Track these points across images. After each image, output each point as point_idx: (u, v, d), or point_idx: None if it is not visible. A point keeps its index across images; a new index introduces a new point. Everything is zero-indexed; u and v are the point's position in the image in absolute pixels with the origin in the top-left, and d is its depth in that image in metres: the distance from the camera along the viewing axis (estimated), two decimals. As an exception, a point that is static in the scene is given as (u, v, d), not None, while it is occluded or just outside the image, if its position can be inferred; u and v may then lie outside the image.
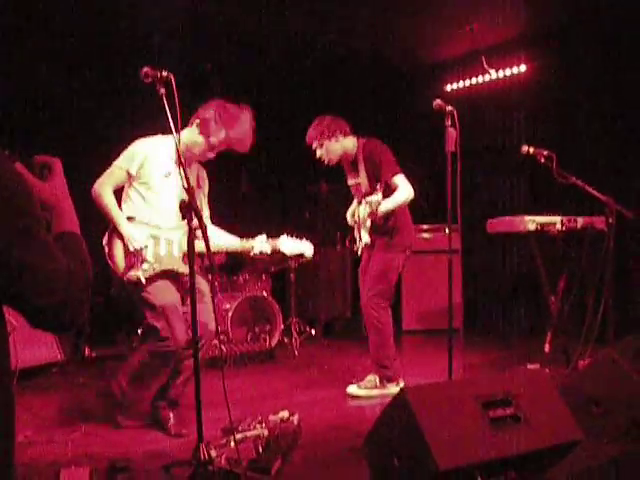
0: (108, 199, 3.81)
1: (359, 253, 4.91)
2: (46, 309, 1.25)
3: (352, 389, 4.83)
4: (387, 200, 4.56)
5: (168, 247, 3.87)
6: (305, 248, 4.03)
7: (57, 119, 5.97)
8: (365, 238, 4.75)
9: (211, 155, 4.00)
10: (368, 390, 4.79)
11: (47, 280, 1.23)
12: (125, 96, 5.64)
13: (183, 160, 3.18)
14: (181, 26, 5.72)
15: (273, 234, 4.02)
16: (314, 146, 4.79)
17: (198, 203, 3.38)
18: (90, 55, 6.00)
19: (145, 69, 3.07)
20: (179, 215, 3.75)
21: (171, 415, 3.95)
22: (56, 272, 1.24)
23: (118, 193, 3.94)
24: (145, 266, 3.79)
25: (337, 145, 4.77)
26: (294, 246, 4.00)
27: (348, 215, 5.02)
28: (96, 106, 6.17)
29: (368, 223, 4.71)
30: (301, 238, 4.05)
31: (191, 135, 3.93)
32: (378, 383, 4.79)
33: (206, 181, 4.18)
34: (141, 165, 3.85)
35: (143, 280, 3.77)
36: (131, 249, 3.79)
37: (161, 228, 3.89)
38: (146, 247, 3.81)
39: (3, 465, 1.26)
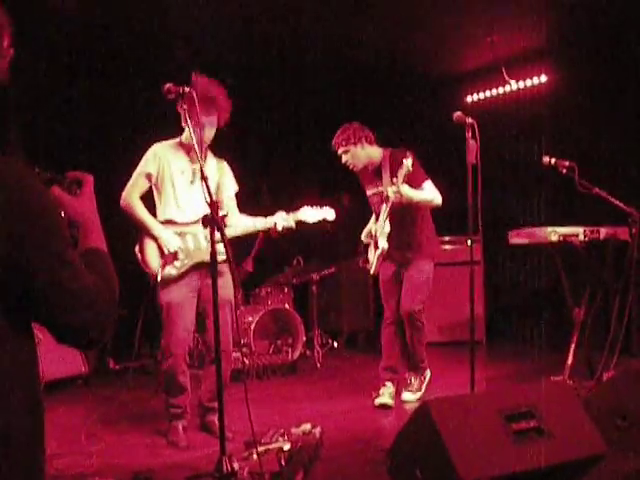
0: (137, 206, 4.00)
1: (372, 272, 4.94)
2: (72, 326, 1.28)
3: (408, 396, 4.94)
4: (413, 190, 4.60)
5: (195, 241, 4.00)
6: (326, 213, 4.11)
7: (78, 134, 6.06)
8: (382, 243, 4.74)
9: (210, 134, 3.95)
10: (421, 392, 4.97)
11: (73, 299, 1.25)
12: (143, 107, 5.74)
13: (202, 164, 3.13)
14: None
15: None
16: (340, 151, 4.85)
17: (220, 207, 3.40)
18: (104, 66, 6.10)
19: (168, 85, 3.11)
20: (200, 208, 3.73)
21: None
22: (82, 291, 1.26)
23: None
24: (177, 264, 3.97)
25: (362, 152, 4.83)
26: (315, 213, 4.07)
27: (363, 235, 5.05)
28: (116, 119, 6.27)
29: (387, 228, 4.73)
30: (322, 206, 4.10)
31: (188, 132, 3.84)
32: (421, 380, 5.00)
33: (228, 174, 4.23)
34: (159, 166, 3.99)
35: (173, 274, 3.94)
36: (166, 252, 3.95)
37: (185, 224, 4.00)
38: (180, 248, 3.96)
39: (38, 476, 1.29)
